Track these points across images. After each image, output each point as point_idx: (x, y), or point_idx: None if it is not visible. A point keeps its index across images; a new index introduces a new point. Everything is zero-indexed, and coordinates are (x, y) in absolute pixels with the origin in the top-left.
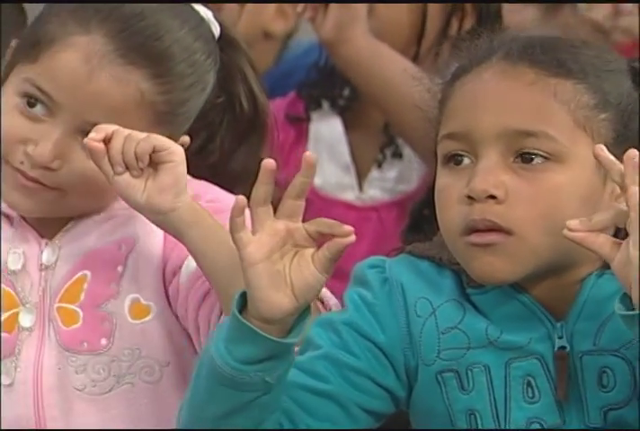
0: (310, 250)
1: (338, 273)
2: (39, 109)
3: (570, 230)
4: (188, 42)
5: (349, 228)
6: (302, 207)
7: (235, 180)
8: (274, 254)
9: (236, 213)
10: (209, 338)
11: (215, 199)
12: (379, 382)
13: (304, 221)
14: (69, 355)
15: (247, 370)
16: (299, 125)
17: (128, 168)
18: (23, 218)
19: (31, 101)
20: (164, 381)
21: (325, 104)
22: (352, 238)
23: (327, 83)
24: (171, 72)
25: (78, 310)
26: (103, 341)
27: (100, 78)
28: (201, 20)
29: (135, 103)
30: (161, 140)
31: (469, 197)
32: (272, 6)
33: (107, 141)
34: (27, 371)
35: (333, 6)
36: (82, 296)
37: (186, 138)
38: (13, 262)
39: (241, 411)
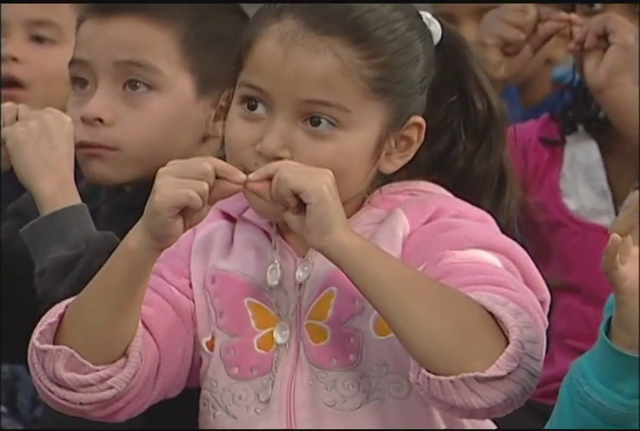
0: None
1: (593, 299)
2: (259, 108)
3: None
4: (383, 12)
5: None
6: None
7: (480, 181)
8: None
9: (612, 251)
10: None
11: (459, 214)
12: None
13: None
14: (319, 371)
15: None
16: (553, 148)
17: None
18: (281, 235)
19: (251, 103)
20: (413, 396)
21: (580, 127)
22: None
23: (582, 105)
24: (369, 37)
25: (326, 326)
26: (352, 357)
27: (296, 53)
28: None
29: (339, 71)
30: (298, 183)
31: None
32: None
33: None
34: (282, 387)
35: (611, 51)
36: (329, 313)
37: (419, 119)
38: (271, 278)
39: None
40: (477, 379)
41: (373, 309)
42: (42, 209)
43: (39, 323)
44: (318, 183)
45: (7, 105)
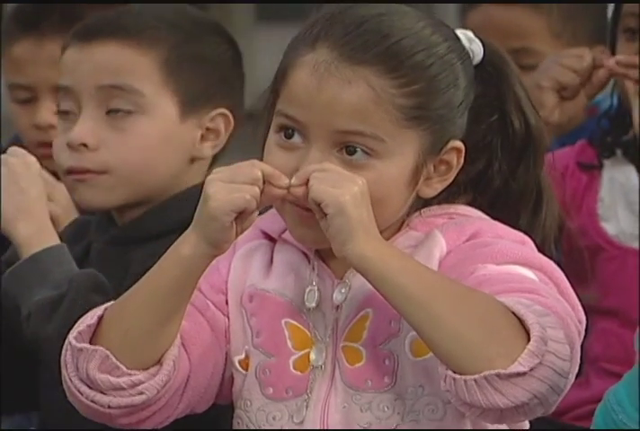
0: None
1: (630, 322)
2: (296, 137)
3: None
4: (423, 35)
5: None
6: None
7: (518, 199)
8: None
9: None
10: None
11: (496, 236)
12: None
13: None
14: (354, 393)
15: None
16: (590, 172)
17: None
18: (320, 257)
19: (287, 132)
20: (449, 417)
21: (618, 152)
22: None
23: (620, 131)
24: (404, 65)
25: (361, 348)
26: (387, 379)
27: (329, 84)
28: (440, 21)
29: (372, 101)
30: (318, 192)
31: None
32: None
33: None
34: (316, 409)
35: None
36: (364, 335)
37: (458, 143)
38: (309, 300)
39: None
40: (499, 376)
41: (409, 330)
42: (21, 253)
43: (76, 325)
44: (339, 193)
45: None
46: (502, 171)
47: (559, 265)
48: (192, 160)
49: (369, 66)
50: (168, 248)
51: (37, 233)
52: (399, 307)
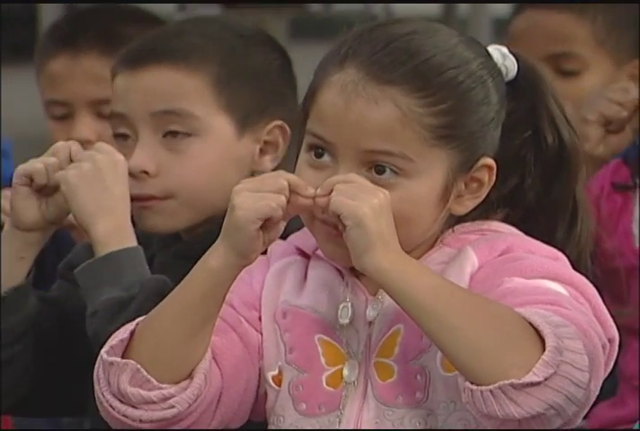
0: None
1: None
2: (325, 156)
3: None
4: (455, 52)
5: None
6: None
7: (553, 216)
8: None
9: None
10: None
11: (529, 252)
12: None
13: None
14: (386, 408)
15: None
16: (626, 193)
17: None
18: (353, 273)
19: (317, 151)
20: None
21: None
22: None
23: None
24: (432, 84)
25: (393, 364)
26: (418, 395)
27: (356, 104)
28: (471, 38)
29: (398, 121)
30: (338, 204)
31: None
32: None
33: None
34: (348, 425)
35: None
36: (396, 350)
37: (489, 161)
38: (343, 316)
39: None
40: (514, 386)
41: None
42: (97, 251)
43: (109, 339)
44: (357, 205)
45: (59, 144)
46: (535, 186)
47: (594, 282)
48: (253, 174)
49: (396, 86)
50: None
51: (116, 233)
52: (417, 319)
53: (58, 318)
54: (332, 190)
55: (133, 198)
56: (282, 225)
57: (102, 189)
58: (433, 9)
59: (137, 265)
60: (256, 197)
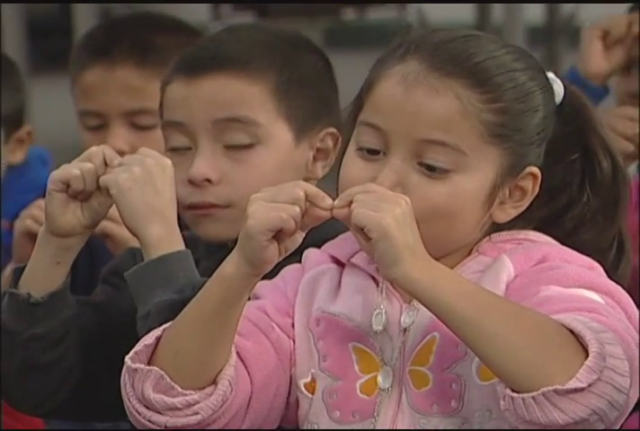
0: None
1: None
2: (377, 154)
3: None
4: (505, 60)
5: None
6: None
7: (597, 248)
8: None
9: None
10: None
11: (565, 261)
12: None
13: None
14: (420, 417)
15: None
16: None
17: None
18: (388, 280)
19: (369, 147)
20: None
21: None
22: None
23: None
24: (490, 82)
25: (428, 372)
26: (453, 403)
27: (417, 93)
28: (525, 51)
29: (458, 113)
30: (360, 217)
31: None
32: None
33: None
34: None
35: None
36: (431, 359)
37: (535, 170)
38: (377, 323)
39: None
40: (557, 392)
41: None
42: (149, 254)
43: (135, 345)
44: (380, 217)
45: (93, 149)
46: (584, 212)
47: (630, 293)
48: (306, 181)
49: (458, 78)
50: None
51: (167, 236)
52: (454, 327)
53: (101, 322)
54: (351, 202)
55: (193, 206)
56: (299, 236)
57: (153, 192)
58: (468, 17)
59: (188, 268)
60: (269, 208)
